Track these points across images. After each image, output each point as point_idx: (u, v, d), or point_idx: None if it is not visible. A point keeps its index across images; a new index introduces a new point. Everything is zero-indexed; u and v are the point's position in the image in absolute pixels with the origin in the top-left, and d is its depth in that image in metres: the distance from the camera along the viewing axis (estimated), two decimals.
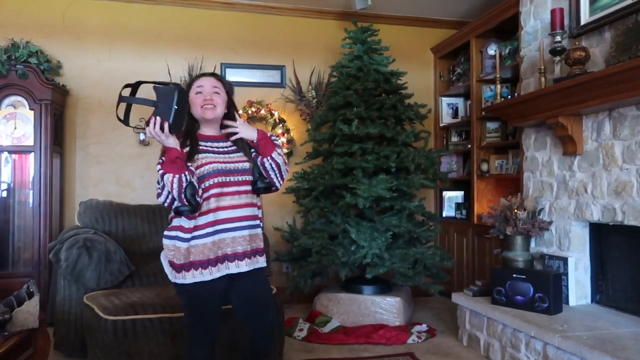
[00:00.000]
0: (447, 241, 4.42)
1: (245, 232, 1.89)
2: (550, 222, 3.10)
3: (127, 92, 1.90)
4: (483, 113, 4.08)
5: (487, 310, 2.93)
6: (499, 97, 3.34)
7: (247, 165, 1.93)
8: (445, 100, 4.76)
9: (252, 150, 1.96)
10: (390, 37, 4.12)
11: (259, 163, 1.93)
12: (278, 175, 1.95)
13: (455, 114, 4.74)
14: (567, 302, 2.90)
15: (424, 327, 3.46)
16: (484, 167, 4.09)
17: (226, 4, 4.37)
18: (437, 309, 4.07)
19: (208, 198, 1.83)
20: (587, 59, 2.69)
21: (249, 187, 1.93)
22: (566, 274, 2.92)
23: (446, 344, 3.23)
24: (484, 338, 3.00)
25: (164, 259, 1.92)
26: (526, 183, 3.38)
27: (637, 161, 2.50)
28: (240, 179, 1.90)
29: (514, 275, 2.87)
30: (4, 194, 3.80)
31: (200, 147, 1.88)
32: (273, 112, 4.36)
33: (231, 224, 1.86)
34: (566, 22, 2.91)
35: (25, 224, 3.75)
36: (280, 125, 4.35)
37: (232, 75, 4.39)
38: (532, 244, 3.23)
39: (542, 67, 2.99)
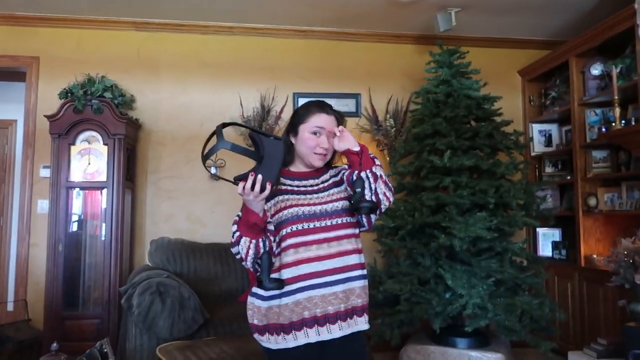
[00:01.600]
0: (547, 286, 3.90)
1: (338, 288, 1.56)
2: None
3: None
4: (589, 140, 3.61)
5: None
6: (617, 121, 2.90)
7: (340, 205, 1.63)
8: (536, 127, 4.31)
9: (347, 167, 1.65)
10: (474, 60, 3.78)
11: (355, 178, 1.59)
12: (374, 199, 1.57)
13: (548, 141, 4.28)
14: None
15: None
16: (592, 201, 3.58)
17: (299, 32, 4.19)
18: None
19: (286, 249, 1.56)
20: None
21: (342, 232, 1.61)
22: None
23: None
24: None
25: None
26: None
27: None
28: (330, 223, 1.59)
29: None
30: (75, 228, 3.71)
31: (284, 188, 1.64)
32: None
33: (318, 279, 1.55)
34: None
35: (96, 262, 3.61)
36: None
37: None
38: None
39: None
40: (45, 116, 3.59)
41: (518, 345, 3.60)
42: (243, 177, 1.43)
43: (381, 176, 1.59)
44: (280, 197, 1.61)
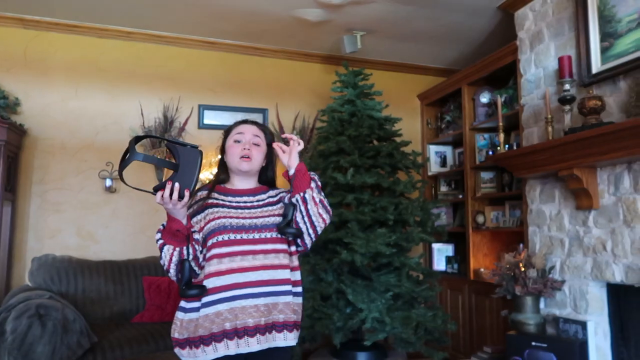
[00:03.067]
0: (440, 299, 4.12)
1: (259, 301, 1.55)
2: (563, 282, 2.87)
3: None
4: (478, 162, 3.90)
5: None
6: (502, 146, 3.16)
7: (270, 220, 1.64)
8: (433, 148, 4.59)
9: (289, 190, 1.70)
10: (377, 82, 3.94)
11: (289, 202, 1.64)
12: (307, 221, 1.61)
13: (443, 162, 4.57)
14: None
15: None
16: (480, 219, 3.87)
17: (205, 43, 4.10)
18: None
19: (211, 259, 1.56)
20: (603, 109, 2.55)
21: (270, 246, 1.61)
22: (586, 340, 2.66)
23: None
24: None
25: None
26: (532, 238, 3.16)
27: None
28: (258, 237, 1.60)
29: (533, 344, 2.59)
30: None
31: (215, 202, 1.65)
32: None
33: (240, 290, 1.53)
34: (575, 70, 2.79)
35: None
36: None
37: (210, 118, 4.08)
38: (542, 305, 2.98)
39: (549, 116, 2.84)
40: None
41: (414, 356, 3.76)
42: (161, 187, 1.44)
43: (313, 199, 1.61)
44: (210, 210, 1.63)
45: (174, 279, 1.57)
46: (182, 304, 1.58)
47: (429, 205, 3.47)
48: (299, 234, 1.61)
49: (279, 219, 1.64)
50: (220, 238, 1.56)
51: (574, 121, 2.74)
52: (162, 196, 1.44)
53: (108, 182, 3.72)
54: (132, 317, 3.13)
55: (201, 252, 1.57)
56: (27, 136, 3.63)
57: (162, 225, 1.56)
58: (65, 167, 3.69)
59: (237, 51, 4.19)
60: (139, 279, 3.25)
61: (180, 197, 1.44)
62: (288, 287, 1.61)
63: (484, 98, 3.93)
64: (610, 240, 2.60)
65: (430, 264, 4.41)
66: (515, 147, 3.42)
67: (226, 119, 4.12)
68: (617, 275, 2.55)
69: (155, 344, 2.74)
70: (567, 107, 2.75)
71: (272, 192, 1.76)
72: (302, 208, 1.61)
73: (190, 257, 1.53)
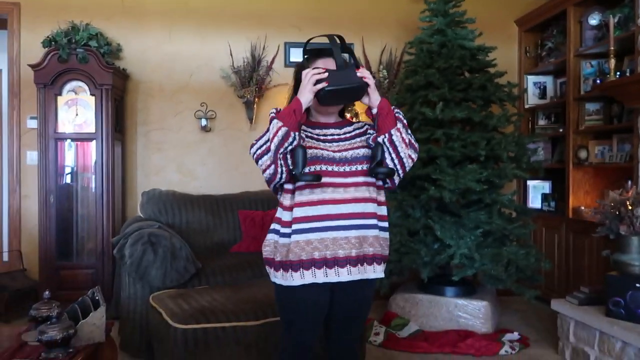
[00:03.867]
0: (534, 237, 3.96)
1: (351, 233, 1.55)
2: None
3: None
4: (583, 93, 3.57)
5: (602, 324, 2.51)
6: (612, 73, 2.86)
7: (360, 152, 1.60)
8: (531, 79, 4.25)
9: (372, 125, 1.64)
10: (470, 9, 3.66)
11: (376, 141, 1.57)
12: (397, 162, 1.55)
13: (543, 94, 4.23)
14: None
15: (515, 335, 3.08)
16: (582, 154, 3.59)
17: None
18: (523, 312, 3.66)
19: (302, 187, 1.56)
20: None
21: (361, 179, 1.58)
22: None
23: (544, 357, 2.85)
24: (594, 355, 2.59)
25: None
26: None
27: None
28: (349, 169, 1.57)
29: (638, 285, 2.43)
30: (68, 180, 3.69)
31: (304, 134, 1.59)
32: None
33: (331, 222, 1.54)
34: None
35: (89, 214, 3.62)
36: (349, 108, 4.01)
37: (296, 56, 4.08)
38: None
39: None
40: (29, 65, 3.50)
41: (504, 293, 3.72)
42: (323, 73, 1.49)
43: (403, 139, 1.55)
44: (304, 142, 1.56)
45: (271, 164, 1.50)
46: (276, 226, 1.61)
47: (524, 140, 3.28)
48: (391, 172, 1.56)
49: (368, 151, 1.60)
50: (312, 168, 1.54)
51: None
52: (312, 71, 1.47)
53: (203, 122, 3.92)
54: (230, 247, 3.37)
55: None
56: (129, 80, 3.89)
57: (277, 109, 1.53)
58: (164, 109, 3.93)
59: None
60: (235, 213, 3.47)
61: (318, 82, 1.46)
62: (376, 222, 1.60)
63: (594, 20, 3.52)
64: None
65: (524, 201, 4.22)
66: (628, 74, 3.08)
67: None
68: None
69: (252, 271, 2.96)
70: None
71: (357, 124, 1.70)
72: (390, 149, 1.55)
73: (295, 143, 1.47)
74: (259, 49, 3.99)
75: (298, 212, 1.55)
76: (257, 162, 1.53)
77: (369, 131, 1.66)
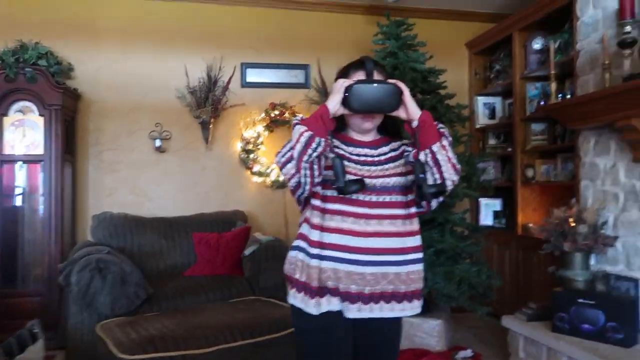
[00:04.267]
0: (487, 254, 4.06)
1: (367, 269, 1.42)
2: (616, 238, 2.75)
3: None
4: (528, 114, 3.73)
5: (549, 339, 2.59)
6: (553, 96, 3.00)
7: (391, 181, 1.47)
8: (481, 100, 4.41)
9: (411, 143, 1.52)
10: (422, 32, 3.78)
11: (417, 158, 1.43)
12: (439, 179, 1.41)
13: (492, 114, 4.39)
14: (638, 330, 2.55)
15: (469, 352, 3.13)
16: (529, 172, 3.73)
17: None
18: (477, 329, 3.73)
19: (324, 211, 1.45)
20: None
21: (387, 211, 1.45)
22: (638, 298, 2.57)
23: None
24: None
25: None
26: (584, 192, 3.02)
27: None
28: (375, 199, 1.45)
29: (580, 300, 2.53)
30: (18, 203, 3.55)
31: (336, 151, 1.48)
32: (297, 115, 4.04)
33: (346, 254, 1.42)
34: (637, 9, 2.56)
35: (36, 238, 3.48)
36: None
37: (253, 76, 4.10)
38: (592, 261, 2.88)
39: (606, 62, 2.64)
40: None
41: (458, 310, 3.78)
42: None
43: (448, 158, 1.40)
44: (332, 155, 1.44)
45: (296, 174, 1.39)
46: (301, 244, 1.48)
47: (474, 160, 3.38)
48: (441, 190, 1.41)
49: (400, 180, 1.48)
50: (335, 193, 1.41)
51: (634, 67, 2.54)
52: (343, 80, 1.41)
53: (158, 142, 3.86)
54: (184, 270, 3.31)
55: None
56: (81, 100, 3.80)
57: (302, 117, 1.44)
58: (117, 129, 3.86)
59: (278, 6, 4.13)
60: (189, 235, 3.42)
61: (347, 90, 1.37)
62: (401, 257, 1.45)
63: (537, 44, 3.70)
64: None
65: (477, 218, 4.33)
66: (569, 97, 3.23)
67: (269, 76, 4.13)
68: None
69: (205, 296, 2.92)
70: (627, 52, 2.54)
71: (394, 145, 1.56)
72: (434, 168, 1.40)
73: (320, 149, 1.34)
74: (215, 70, 3.99)
75: (314, 235, 1.45)
76: (281, 170, 1.44)
77: (406, 151, 1.53)
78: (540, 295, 3.40)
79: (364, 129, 1.52)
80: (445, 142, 1.42)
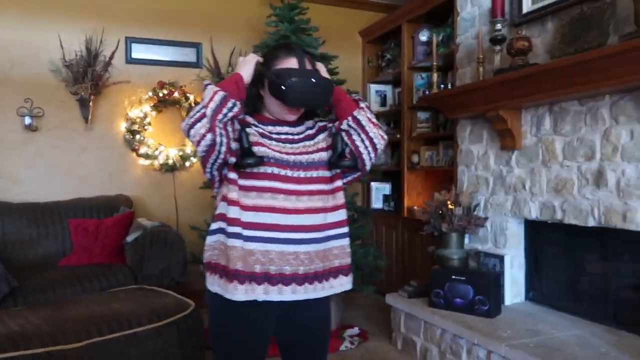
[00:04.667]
0: (375, 235, 4.24)
1: (301, 248, 1.37)
2: (486, 219, 3.00)
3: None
4: (414, 102, 3.91)
5: (425, 314, 2.76)
6: (435, 86, 3.17)
7: (316, 157, 1.44)
8: (373, 87, 4.55)
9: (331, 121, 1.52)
10: (317, 17, 3.79)
11: (338, 131, 1.44)
12: (368, 144, 1.43)
13: (383, 101, 4.55)
14: (503, 302, 2.81)
15: (355, 330, 3.25)
16: (415, 158, 3.94)
17: None
18: (366, 307, 3.89)
19: (249, 189, 1.37)
20: (530, 50, 2.56)
21: (315, 187, 1.42)
22: (502, 273, 2.83)
23: (380, 349, 3.05)
24: (420, 342, 2.84)
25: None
26: (460, 177, 3.25)
27: (579, 158, 2.42)
28: (303, 175, 1.41)
29: (453, 277, 2.73)
30: None
31: (255, 130, 1.43)
32: (188, 95, 3.89)
33: (279, 233, 1.36)
34: (507, 9, 2.77)
35: None
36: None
37: (139, 52, 3.85)
38: (466, 240, 3.12)
39: (481, 57, 2.84)
40: None
41: (349, 290, 3.90)
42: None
43: (369, 119, 1.43)
44: (251, 131, 1.40)
45: (203, 129, 1.31)
46: (222, 225, 1.39)
47: None
48: (354, 164, 1.45)
49: (324, 155, 1.46)
50: (262, 169, 1.37)
51: (503, 62, 2.75)
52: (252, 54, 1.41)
53: (27, 120, 3.49)
54: (59, 260, 3.05)
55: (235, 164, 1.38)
56: None
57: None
58: None
59: None
60: (64, 221, 3.15)
61: (280, 86, 1.34)
62: (331, 232, 1.44)
63: (423, 36, 3.88)
64: (529, 180, 2.71)
65: (368, 202, 4.49)
66: (449, 87, 3.44)
67: (157, 53, 3.90)
68: (533, 212, 2.69)
69: (81, 286, 2.70)
70: (498, 48, 2.75)
71: (309, 123, 1.54)
72: (359, 130, 1.42)
73: (234, 112, 1.32)
74: (96, 43, 3.67)
75: (246, 216, 1.36)
76: (188, 134, 1.32)
77: (322, 128, 1.52)
78: (423, 274, 3.62)
79: (287, 119, 1.48)
80: (362, 105, 1.46)
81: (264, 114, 1.50)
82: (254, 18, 4.10)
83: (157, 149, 3.81)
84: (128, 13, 3.80)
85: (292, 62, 1.42)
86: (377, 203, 4.46)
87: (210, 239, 1.45)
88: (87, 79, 3.55)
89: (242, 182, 1.39)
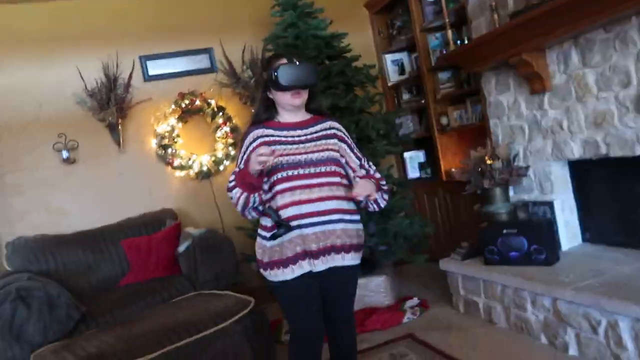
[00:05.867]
0: (417, 204, 4.21)
1: (317, 229, 1.75)
2: (528, 167, 2.93)
3: None
4: (433, 64, 3.84)
5: (482, 273, 2.74)
6: (451, 44, 3.09)
7: (325, 155, 1.79)
8: (389, 58, 4.48)
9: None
10: None
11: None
12: (376, 208, 1.89)
13: (401, 70, 4.48)
14: (560, 247, 2.75)
15: (415, 300, 3.25)
16: (444, 120, 3.87)
17: None
18: (421, 277, 3.88)
19: (276, 194, 1.76)
20: None
21: (324, 180, 1.77)
22: (554, 219, 2.76)
23: (443, 314, 3.04)
24: (482, 302, 2.82)
25: None
26: (494, 130, 3.18)
27: (614, 87, 2.32)
28: (313, 171, 1.76)
29: (505, 231, 2.68)
30: None
31: (271, 139, 1.79)
32: (209, 101, 3.94)
33: (303, 220, 1.73)
34: None
35: None
36: (220, 114, 3.93)
37: (155, 68, 3.91)
38: (511, 192, 3.06)
39: (493, 3, 2.76)
40: None
41: (400, 264, 3.90)
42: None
43: (384, 198, 1.87)
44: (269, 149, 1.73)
45: (240, 211, 1.76)
46: (262, 232, 1.81)
47: (391, 117, 3.45)
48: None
49: (333, 153, 1.81)
50: (279, 175, 1.74)
51: (517, 4, 2.66)
52: (262, 152, 1.60)
53: (65, 154, 3.61)
54: (119, 281, 3.17)
55: (265, 182, 1.76)
56: None
57: (239, 167, 1.77)
58: (15, 148, 3.55)
59: None
60: (117, 243, 3.26)
61: (263, 167, 1.64)
62: (341, 216, 1.77)
63: None
64: (566, 119, 2.63)
65: (405, 172, 4.45)
66: (466, 42, 3.35)
67: (172, 66, 3.95)
68: (576, 152, 2.61)
69: (144, 302, 2.80)
70: None
71: (325, 124, 1.88)
72: (374, 205, 1.86)
73: (257, 202, 1.73)
74: (113, 67, 3.76)
75: (284, 212, 1.74)
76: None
77: (337, 135, 1.87)
78: (472, 234, 3.58)
79: (295, 105, 1.82)
80: (385, 196, 1.88)
81: (278, 119, 1.86)
82: (259, 12, 4.08)
83: (189, 158, 3.88)
84: (138, 33, 3.86)
85: (282, 61, 1.79)
86: (413, 173, 4.42)
87: (257, 241, 1.87)
88: (112, 103, 3.64)
89: (271, 190, 1.78)
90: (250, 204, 1.72)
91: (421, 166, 4.33)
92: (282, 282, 1.76)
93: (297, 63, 1.75)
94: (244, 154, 1.80)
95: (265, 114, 1.86)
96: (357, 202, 1.82)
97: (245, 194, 1.69)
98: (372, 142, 3.29)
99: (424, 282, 3.72)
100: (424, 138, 4.23)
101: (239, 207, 1.74)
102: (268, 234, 1.76)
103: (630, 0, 1.99)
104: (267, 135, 1.80)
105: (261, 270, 1.82)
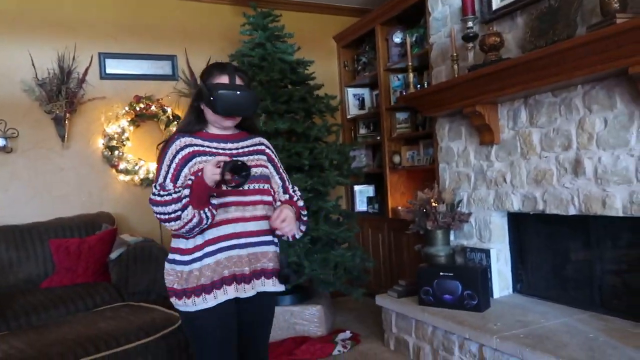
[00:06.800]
0: (361, 237, 4.25)
1: (252, 250, 1.63)
2: (470, 214, 3.02)
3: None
4: (392, 104, 3.94)
5: (416, 312, 2.77)
6: (411, 86, 3.20)
7: (258, 171, 1.66)
8: (351, 91, 4.57)
9: None
10: (291, 24, 3.80)
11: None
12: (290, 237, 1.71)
13: (362, 105, 4.58)
14: (492, 295, 2.83)
15: (347, 334, 3.24)
16: (396, 159, 3.96)
17: None
18: (357, 310, 3.88)
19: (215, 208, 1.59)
20: (502, 45, 2.60)
21: (258, 197, 1.65)
22: (489, 267, 2.85)
23: (373, 350, 3.04)
24: (412, 341, 2.84)
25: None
26: (442, 174, 3.28)
27: (556, 148, 2.46)
28: (246, 188, 1.57)
29: (441, 274, 2.74)
30: None
31: (201, 149, 1.63)
32: (165, 108, 3.86)
33: (236, 240, 1.60)
34: (477, 7, 2.82)
35: None
36: (175, 122, 3.85)
37: (113, 67, 3.81)
38: (452, 237, 3.14)
39: (455, 54, 2.88)
40: None
41: (337, 295, 3.90)
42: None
43: (301, 230, 1.73)
44: (198, 159, 1.60)
45: (186, 230, 1.55)
46: (177, 257, 1.61)
47: (346, 149, 3.49)
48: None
49: (265, 171, 1.70)
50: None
51: (476, 58, 2.79)
52: (220, 160, 1.48)
53: (1, 142, 3.41)
54: (40, 282, 2.98)
55: None
56: None
57: (191, 178, 1.54)
58: None
59: None
60: (45, 243, 3.08)
61: (225, 180, 1.48)
62: (272, 238, 1.68)
63: (397, 38, 3.92)
64: (510, 172, 2.75)
65: (352, 205, 4.50)
66: (426, 86, 3.47)
67: (132, 67, 3.86)
68: (515, 205, 2.72)
69: (65, 307, 2.64)
70: (470, 45, 2.79)
71: (255, 140, 1.77)
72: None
73: (210, 219, 1.55)
74: (69, 60, 3.62)
75: (207, 234, 1.58)
76: (157, 216, 1.55)
77: (266, 153, 1.76)
78: (412, 273, 3.63)
79: (225, 126, 1.69)
80: (303, 228, 1.74)
81: (209, 129, 1.70)
82: (228, 27, 4.09)
83: (136, 163, 3.76)
84: (100, 29, 3.76)
85: (224, 78, 1.63)
86: (361, 206, 4.47)
87: (167, 267, 1.69)
88: (62, 96, 3.49)
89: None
90: (205, 222, 1.52)
91: (369, 201, 4.39)
92: (200, 312, 1.57)
93: (238, 93, 1.60)
94: (171, 163, 1.58)
95: (198, 125, 1.68)
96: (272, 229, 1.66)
97: (197, 213, 1.50)
98: (325, 171, 3.31)
99: (358, 316, 3.72)
100: (375, 174, 4.30)
101: (187, 228, 1.51)
102: (186, 257, 1.58)
103: (578, 70, 2.13)
104: (196, 145, 1.62)
105: (173, 300, 1.62)
